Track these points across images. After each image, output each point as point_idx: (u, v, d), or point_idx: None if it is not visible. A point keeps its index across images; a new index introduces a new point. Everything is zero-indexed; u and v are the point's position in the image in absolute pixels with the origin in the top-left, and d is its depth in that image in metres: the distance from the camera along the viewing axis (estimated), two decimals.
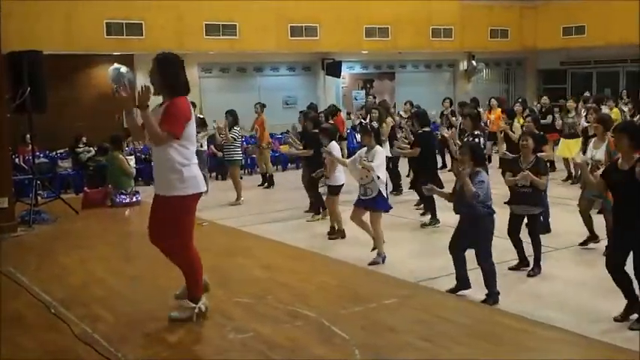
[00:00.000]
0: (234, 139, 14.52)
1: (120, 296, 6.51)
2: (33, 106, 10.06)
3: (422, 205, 12.46)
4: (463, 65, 26.61)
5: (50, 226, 9.73)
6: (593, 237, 9.59)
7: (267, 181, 16.71)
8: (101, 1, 17.51)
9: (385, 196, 9.20)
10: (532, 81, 28.73)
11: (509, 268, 8.54)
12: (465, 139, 10.62)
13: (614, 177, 6.80)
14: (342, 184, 10.78)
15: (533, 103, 20.29)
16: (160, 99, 5.74)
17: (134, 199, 11.07)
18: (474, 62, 26.20)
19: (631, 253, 6.67)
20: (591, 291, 7.48)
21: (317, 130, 11.75)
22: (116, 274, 7.31)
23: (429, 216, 11.58)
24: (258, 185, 16.58)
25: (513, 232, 8.53)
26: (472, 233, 7.36)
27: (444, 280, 7.88)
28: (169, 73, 5.68)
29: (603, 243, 9.05)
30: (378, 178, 9.03)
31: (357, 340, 5.19)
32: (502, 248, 8.47)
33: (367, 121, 15.03)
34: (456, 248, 7.52)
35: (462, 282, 7.48)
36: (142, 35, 18.46)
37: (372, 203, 9.10)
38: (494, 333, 5.41)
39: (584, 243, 9.63)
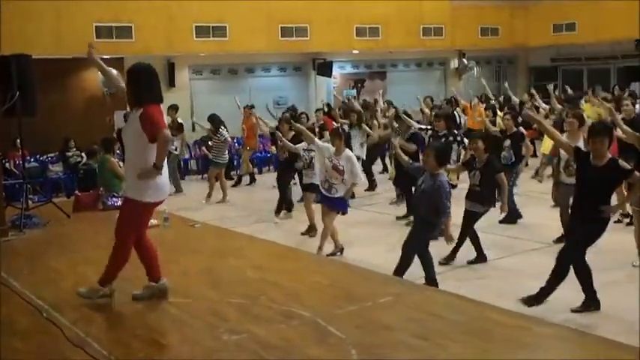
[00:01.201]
0: (222, 142, 14.68)
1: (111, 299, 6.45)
2: (22, 110, 9.97)
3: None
4: (454, 63, 26.65)
5: (41, 230, 9.65)
6: (567, 234, 9.63)
7: (239, 180, 16.97)
8: (90, 3, 17.44)
9: (347, 198, 9.64)
10: (523, 78, 28.77)
11: (468, 262, 9.03)
12: (443, 140, 10.79)
13: (585, 171, 6.93)
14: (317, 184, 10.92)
15: (524, 98, 20.25)
16: None
17: None
18: (464, 60, 26.23)
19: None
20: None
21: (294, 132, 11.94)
22: None
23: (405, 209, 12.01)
24: (246, 185, 16.79)
25: (467, 226, 9.05)
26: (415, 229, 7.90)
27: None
28: (140, 83, 5.96)
29: None
30: (356, 184, 9.71)
31: (352, 340, 5.15)
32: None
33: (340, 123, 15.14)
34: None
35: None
36: (132, 38, 18.39)
37: (334, 203, 9.48)
38: (488, 330, 5.38)
39: (559, 239, 9.67)
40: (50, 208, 10.60)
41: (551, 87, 17.39)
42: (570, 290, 7.07)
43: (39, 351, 5.26)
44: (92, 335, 5.46)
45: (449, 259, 9.01)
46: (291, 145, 11.47)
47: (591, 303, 7.01)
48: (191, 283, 6.86)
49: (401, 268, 7.66)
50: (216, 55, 20.50)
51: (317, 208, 10.41)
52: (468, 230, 9.04)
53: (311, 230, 11.02)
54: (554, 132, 7.84)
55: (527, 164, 14.33)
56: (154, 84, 6.04)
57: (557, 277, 7.07)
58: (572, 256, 7.00)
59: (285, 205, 12.69)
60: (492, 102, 16.07)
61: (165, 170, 6.00)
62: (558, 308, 7.01)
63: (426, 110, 16.44)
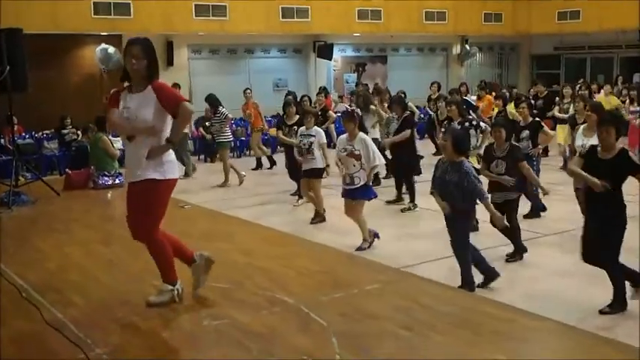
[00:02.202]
0: (223, 120, 14.39)
1: (95, 281, 6.35)
2: (13, 85, 9.84)
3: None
4: (456, 49, 26.43)
5: (29, 208, 9.55)
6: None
7: (258, 163, 16.63)
8: None
9: (370, 183, 9.12)
10: (525, 66, 28.56)
11: (507, 260, 8.45)
12: (458, 127, 10.47)
13: (594, 165, 6.67)
14: (323, 167, 10.72)
15: (528, 89, 20.09)
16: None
17: (117, 181, 10.88)
18: (467, 46, 26.02)
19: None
20: (574, 279, 7.37)
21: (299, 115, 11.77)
22: (93, 258, 7.15)
23: (408, 200, 11.67)
24: (252, 169, 16.39)
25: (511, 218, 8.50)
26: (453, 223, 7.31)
27: (427, 266, 7.79)
28: (155, 57, 5.51)
29: None
30: (376, 166, 9.01)
31: (335, 328, 5.04)
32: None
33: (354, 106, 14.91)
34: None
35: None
36: (130, 15, 18.18)
37: (359, 193, 8.98)
38: (477, 322, 5.26)
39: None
40: (41, 185, 10.51)
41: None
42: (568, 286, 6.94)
43: (16, 333, 5.14)
44: (70, 317, 5.37)
45: (515, 256, 8.58)
46: (287, 139, 11.36)
47: (620, 304, 6.67)
48: (176, 265, 6.70)
49: (468, 277, 7.24)
50: (215, 34, 20.31)
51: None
52: (514, 220, 8.54)
53: (318, 217, 10.65)
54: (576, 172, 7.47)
55: (546, 154, 14.07)
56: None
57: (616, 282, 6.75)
58: (610, 267, 6.65)
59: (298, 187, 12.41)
60: (504, 91, 15.77)
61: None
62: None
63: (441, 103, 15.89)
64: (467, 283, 7.25)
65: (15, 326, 5.26)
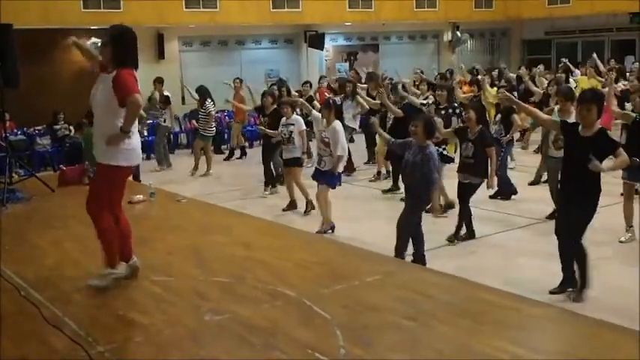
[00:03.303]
0: (207, 115, 14.59)
1: (93, 277, 6.27)
2: (4, 81, 9.74)
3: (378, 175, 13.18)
4: (447, 36, 26.39)
5: (25, 205, 9.46)
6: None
7: (231, 154, 16.83)
8: None
9: (336, 172, 9.45)
10: (516, 51, 28.54)
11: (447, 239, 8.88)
12: (443, 112, 10.62)
13: (574, 141, 6.70)
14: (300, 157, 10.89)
15: (517, 72, 20.06)
16: None
17: None
18: (458, 33, 25.99)
19: None
20: (546, 261, 7.46)
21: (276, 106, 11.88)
22: (90, 254, 7.05)
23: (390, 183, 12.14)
24: (224, 159, 16.60)
25: (461, 198, 8.97)
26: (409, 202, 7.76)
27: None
28: (121, 44, 5.65)
29: None
30: (340, 157, 9.37)
31: (338, 320, 5.00)
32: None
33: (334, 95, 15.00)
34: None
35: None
36: (120, 9, 18.10)
37: (323, 177, 9.43)
38: (479, 310, 5.24)
39: (551, 215, 9.55)
40: (35, 182, 10.42)
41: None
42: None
43: (14, 330, 5.09)
44: (70, 315, 5.31)
45: (455, 238, 8.86)
46: (269, 131, 11.49)
47: (570, 284, 6.93)
48: (175, 260, 6.69)
49: (400, 248, 7.57)
50: (206, 26, 20.22)
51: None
52: (466, 204, 8.90)
53: (292, 206, 11.02)
54: (534, 111, 7.60)
55: (520, 139, 14.15)
56: (133, 49, 5.77)
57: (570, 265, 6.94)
58: (572, 246, 6.81)
59: (268, 179, 12.53)
60: (481, 77, 15.74)
61: (137, 136, 5.78)
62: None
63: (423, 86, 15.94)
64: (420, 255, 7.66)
65: (14, 325, 5.20)
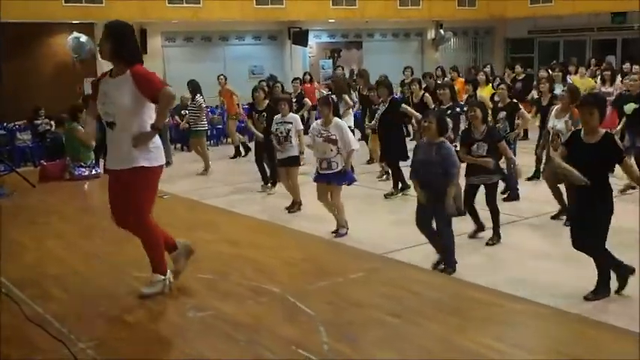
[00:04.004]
0: (199, 108, 14.37)
1: (75, 274, 6.23)
2: None
3: (385, 177, 12.54)
4: (431, 34, 26.42)
5: (5, 201, 9.36)
6: (564, 209, 9.47)
7: (236, 152, 16.54)
8: None
9: (348, 168, 9.05)
10: (499, 50, 28.63)
11: (469, 236, 8.55)
12: (449, 112, 10.41)
13: (578, 150, 6.55)
14: (298, 155, 10.60)
15: (504, 72, 20.11)
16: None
17: (93, 172, 10.73)
18: (441, 31, 26.02)
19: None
20: (553, 262, 7.37)
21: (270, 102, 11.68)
22: (72, 250, 7.03)
23: (399, 185, 11.54)
24: (230, 157, 16.36)
25: (468, 202, 8.54)
26: (436, 204, 7.28)
27: (411, 251, 7.77)
28: (129, 41, 5.41)
29: None
30: (352, 150, 8.94)
31: (322, 317, 4.98)
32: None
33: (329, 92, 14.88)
34: (426, 224, 7.44)
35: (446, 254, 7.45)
36: (102, 3, 17.99)
37: (336, 177, 8.91)
38: (465, 307, 5.23)
39: (556, 216, 9.52)
40: (15, 178, 10.32)
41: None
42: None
43: None
44: (52, 312, 5.25)
45: (476, 234, 8.73)
46: (258, 133, 11.27)
47: (604, 290, 6.61)
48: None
49: (451, 254, 7.45)
50: (189, 22, 20.13)
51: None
52: (494, 202, 8.62)
53: (294, 205, 10.58)
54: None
55: (527, 137, 14.10)
56: (137, 44, 5.58)
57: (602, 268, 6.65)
58: (597, 252, 6.53)
59: (265, 177, 12.38)
60: (481, 75, 15.71)
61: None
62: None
63: (415, 87, 15.73)
64: (449, 264, 7.30)
65: None
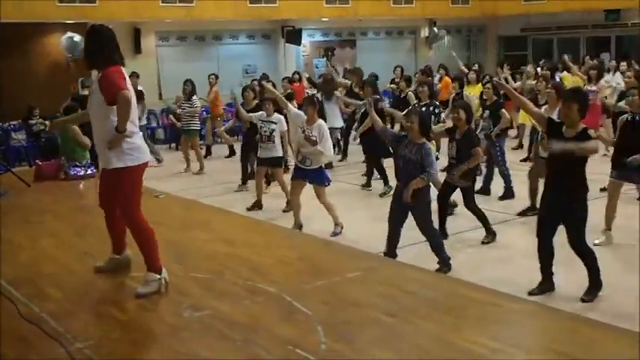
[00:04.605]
0: (194, 109, 14.46)
1: (70, 273, 6.21)
2: None
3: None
4: (424, 32, 26.43)
5: (1, 201, 9.34)
6: (533, 208, 9.58)
7: (207, 152, 16.67)
8: None
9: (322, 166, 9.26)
10: (493, 48, 28.66)
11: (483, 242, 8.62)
12: (424, 109, 10.56)
13: (556, 140, 6.66)
14: (282, 156, 10.71)
15: (496, 70, 20.14)
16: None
17: (88, 172, 10.69)
18: (435, 29, 26.02)
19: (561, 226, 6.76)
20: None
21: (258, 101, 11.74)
22: (67, 250, 7.02)
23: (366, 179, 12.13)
24: (225, 157, 16.48)
25: (441, 197, 8.79)
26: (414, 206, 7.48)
27: (404, 250, 7.79)
28: (103, 44, 5.55)
29: None
30: (325, 156, 9.19)
31: (319, 316, 4.98)
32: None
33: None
34: (397, 223, 7.64)
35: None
36: (96, 3, 17.94)
37: (315, 176, 9.05)
38: (461, 306, 5.24)
39: (523, 212, 9.61)
40: (10, 177, 10.27)
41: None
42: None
43: None
44: (47, 311, 5.24)
45: (488, 237, 8.84)
46: (245, 113, 11.27)
47: (598, 288, 6.81)
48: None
49: (442, 251, 7.63)
50: (182, 21, 20.10)
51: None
52: (472, 203, 8.78)
53: (288, 204, 10.58)
54: (525, 102, 7.49)
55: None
56: (115, 46, 5.63)
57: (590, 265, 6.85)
58: (577, 245, 6.74)
59: (243, 176, 12.44)
60: (471, 73, 15.75)
61: (139, 133, 5.65)
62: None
63: (402, 83, 15.92)
64: (444, 262, 7.39)
65: None
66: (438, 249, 7.60)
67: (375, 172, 12.18)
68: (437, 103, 11.38)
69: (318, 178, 9.17)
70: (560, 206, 6.68)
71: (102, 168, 5.69)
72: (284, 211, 10.56)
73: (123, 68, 5.60)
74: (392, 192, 11.34)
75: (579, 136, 6.53)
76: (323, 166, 9.27)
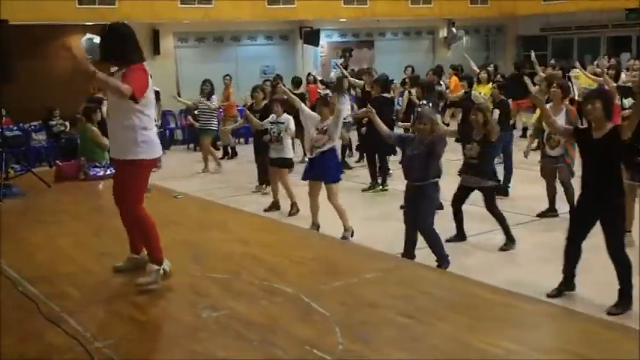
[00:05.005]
0: (213, 109, 14.59)
1: (88, 273, 6.26)
2: (0, 77, 9.69)
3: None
4: (443, 32, 26.35)
5: (21, 201, 9.43)
6: (552, 209, 9.54)
7: (225, 153, 16.77)
8: None
9: (339, 162, 9.35)
10: (512, 48, 28.52)
11: (446, 240, 8.43)
12: (419, 109, 10.68)
13: (586, 146, 6.56)
14: (291, 158, 10.75)
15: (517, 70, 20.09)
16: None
17: (107, 172, 10.75)
18: (453, 29, 25.94)
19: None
20: (550, 262, 7.39)
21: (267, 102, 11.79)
22: (85, 250, 7.07)
23: (380, 180, 12.16)
24: (220, 158, 16.53)
25: (456, 202, 8.71)
26: (419, 203, 7.55)
27: (426, 251, 7.78)
28: (121, 41, 5.59)
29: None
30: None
31: (336, 317, 4.99)
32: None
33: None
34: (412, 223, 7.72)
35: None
36: (115, 5, 18.04)
37: (324, 168, 9.03)
38: (477, 307, 5.24)
39: (543, 214, 9.58)
40: (31, 178, 10.39)
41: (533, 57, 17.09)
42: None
43: (12, 326, 5.07)
44: (68, 311, 5.28)
45: (454, 241, 8.79)
46: (257, 121, 11.26)
47: (628, 304, 6.48)
48: (172, 256, 6.59)
49: (440, 248, 7.66)
50: (201, 22, 20.17)
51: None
52: (495, 207, 8.67)
53: (292, 207, 10.70)
54: (552, 119, 7.42)
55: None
56: (135, 42, 5.70)
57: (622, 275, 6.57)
58: (615, 252, 6.48)
59: (262, 177, 12.46)
60: (483, 73, 15.73)
61: (153, 129, 5.75)
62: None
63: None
64: (443, 259, 7.41)
65: (11, 321, 5.18)
66: (435, 246, 7.63)
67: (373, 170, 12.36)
68: (436, 101, 11.46)
69: (327, 172, 9.10)
70: (596, 209, 6.50)
71: (114, 158, 5.81)
72: (290, 214, 10.58)
73: (145, 65, 5.67)
74: (377, 189, 11.78)
75: (611, 135, 6.35)
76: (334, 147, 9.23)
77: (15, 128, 16.57)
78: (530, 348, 4.51)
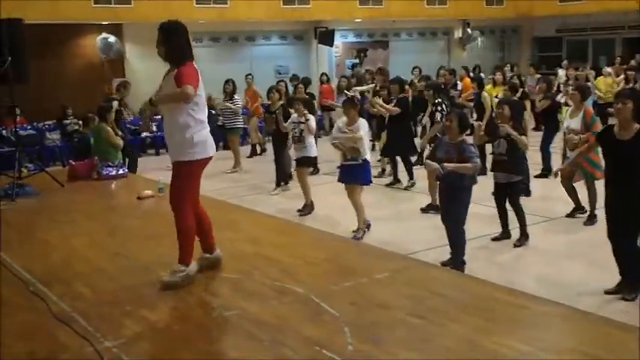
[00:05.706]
0: (236, 107, 14.70)
1: (101, 273, 6.27)
2: (14, 76, 9.72)
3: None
4: (458, 33, 26.30)
5: (34, 200, 9.46)
6: (578, 207, 9.52)
7: (253, 150, 16.79)
8: None
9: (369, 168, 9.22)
10: (527, 49, 28.42)
11: (492, 239, 8.49)
12: (431, 110, 10.73)
13: (612, 146, 6.49)
14: (315, 156, 10.71)
15: (528, 71, 20.06)
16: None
17: (120, 172, 10.80)
18: (469, 30, 25.87)
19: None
20: (575, 263, 7.34)
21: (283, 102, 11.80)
22: (99, 249, 7.08)
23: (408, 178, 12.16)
24: (247, 157, 16.48)
25: (497, 199, 8.70)
26: (452, 201, 7.56)
27: (439, 250, 7.76)
28: (174, 41, 5.66)
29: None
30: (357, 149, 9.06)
31: (346, 317, 4.97)
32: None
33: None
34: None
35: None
36: (131, 4, 18.10)
37: (358, 174, 8.99)
38: (489, 308, 5.19)
39: (570, 214, 9.55)
40: (44, 177, 10.42)
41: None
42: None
43: (23, 326, 5.09)
44: (79, 311, 5.29)
45: (502, 237, 8.81)
46: (285, 125, 11.22)
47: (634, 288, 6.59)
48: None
49: (461, 251, 7.63)
50: (216, 22, 20.20)
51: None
52: (518, 203, 8.65)
53: (306, 208, 10.67)
54: (584, 149, 7.46)
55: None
56: (187, 41, 5.79)
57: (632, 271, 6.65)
58: (630, 248, 6.51)
59: (280, 177, 12.45)
60: (497, 75, 15.69)
61: (206, 128, 5.79)
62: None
63: (415, 81, 16.20)
64: (458, 263, 7.37)
65: (22, 320, 5.20)
66: (455, 248, 7.59)
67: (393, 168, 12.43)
68: (445, 103, 11.37)
69: (361, 176, 9.13)
70: (623, 209, 6.46)
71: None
72: (300, 213, 10.58)
73: (194, 63, 5.73)
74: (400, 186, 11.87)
75: (636, 139, 6.29)
76: (367, 159, 9.16)
77: (29, 127, 16.66)
78: (542, 349, 4.46)
